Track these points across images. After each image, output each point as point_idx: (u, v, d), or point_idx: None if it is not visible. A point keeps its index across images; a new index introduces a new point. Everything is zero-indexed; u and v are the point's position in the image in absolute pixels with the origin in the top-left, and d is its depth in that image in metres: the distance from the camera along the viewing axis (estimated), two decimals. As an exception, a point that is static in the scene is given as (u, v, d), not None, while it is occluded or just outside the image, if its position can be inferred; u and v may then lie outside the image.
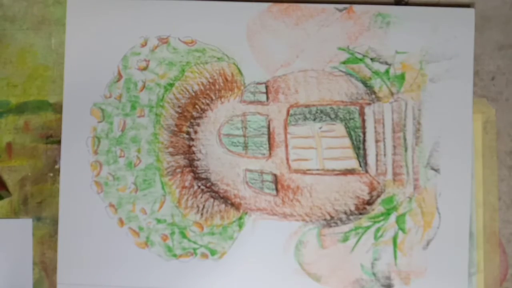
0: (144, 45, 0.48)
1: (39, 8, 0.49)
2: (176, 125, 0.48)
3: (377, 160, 0.47)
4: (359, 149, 0.47)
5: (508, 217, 0.48)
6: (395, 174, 0.47)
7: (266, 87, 0.48)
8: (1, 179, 0.48)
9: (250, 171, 0.48)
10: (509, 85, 0.48)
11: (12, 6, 0.49)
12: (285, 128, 0.48)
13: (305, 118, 0.48)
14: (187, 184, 0.48)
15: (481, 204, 0.48)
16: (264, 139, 0.48)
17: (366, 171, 0.47)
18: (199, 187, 0.48)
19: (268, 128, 0.48)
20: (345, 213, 0.47)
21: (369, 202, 0.47)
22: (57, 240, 0.48)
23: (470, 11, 0.48)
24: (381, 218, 0.47)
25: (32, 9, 0.49)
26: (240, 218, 0.48)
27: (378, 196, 0.47)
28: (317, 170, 0.48)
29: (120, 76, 0.48)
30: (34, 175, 0.48)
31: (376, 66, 0.48)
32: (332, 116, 0.48)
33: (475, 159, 0.48)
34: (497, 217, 0.48)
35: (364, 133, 0.47)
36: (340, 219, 0.47)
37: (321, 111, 0.48)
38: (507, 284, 0.47)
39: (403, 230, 0.47)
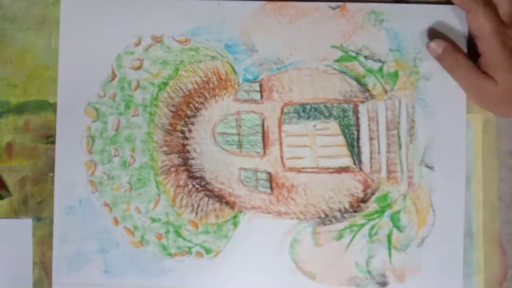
0: (138, 44, 0.48)
1: (39, 8, 0.49)
2: (171, 124, 0.48)
3: (371, 158, 0.47)
4: (353, 147, 0.47)
5: (508, 217, 0.48)
6: (389, 171, 0.47)
7: (260, 85, 0.48)
8: (1, 179, 0.48)
9: (245, 169, 0.48)
10: (509, 84, 0.48)
11: (12, 6, 0.49)
12: (279, 127, 0.48)
13: (299, 116, 0.48)
14: (181, 183, 0.48)
15: (481, 204, 0.47)
16: (259, 137, 0.48)
17: (360, 169, 0.47)
18: (193, 186, 0.48)
19: (263, 126, 0.48)
20: (340, 211, 0.47)
21: (364, 200, 0.47)
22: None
23: (464, 9, 0.48)
24: (376, 215, 0.47)
25: (32, 9, 0.49)
26: (235, 216, 0.48)
27: (373, 193, 0.47)
28: (312, 168, 0.48)
29: (114, 75, 0.48)
30: (34, 175, 0.48)
31: (370, 64, 0.48)
32: (326, 114, 0.48)
33: (475, 159, 0.48)
34: (497, 217, 0.48)
35: (358, 131, 0.47)
36: (335, 217, 0.47)
37: (315, 109, 0.48)
38: (507, 284, 0.47)
39: (397, 227, 0.47)
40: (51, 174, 0.48)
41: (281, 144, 0.48)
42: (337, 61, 0.48)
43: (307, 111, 0.48)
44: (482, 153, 0.48)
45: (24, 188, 0.48)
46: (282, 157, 0.48)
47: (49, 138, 0.48)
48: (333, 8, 0.48)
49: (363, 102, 0.48)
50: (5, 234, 0.48)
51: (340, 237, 0.47)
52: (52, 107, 0.48)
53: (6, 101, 0.49)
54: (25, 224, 0.48)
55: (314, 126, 0.48)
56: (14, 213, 0.48)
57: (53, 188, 0.48)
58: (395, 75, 0.48)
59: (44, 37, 0.49)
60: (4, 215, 0.48)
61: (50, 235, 0.48)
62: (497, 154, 0.48)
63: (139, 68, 0.48)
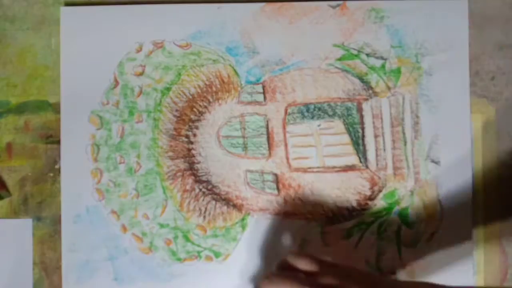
0: (139, 50, 0.48)
1: (39, 8, 0.49)
2: (175, 129, 0.48)
3: (377, 155, 0.47)
4: (359, 145, 0.47)
5: (508, 217, 0.48)
6: (395, 168, 0.47)
7: (263, 87, 0.48)
8: (1, 179, 0.48)
9: (251, 171, 0.48)
10: (509, 85, 0.48)
11: (12, 6, 0.49)
12: (284, 127, 0.48)
13: (303, 116, 0.48)
14: (188, 187, 0.48)
15: (481, 204, 0.48)
16: (263, 139, 0.48)
17: (367, 167, 0.47)
18: (200, 190, 0.48)
19: (267, 128, 0.48)
20: (347, 209, 0.47)
21: (371, 198, 0.47)
22: (57, 240, 0.48)
23: (464, 3, 0.48)
24: (384, 213, 0.47)
25: (32, 9, 0.49)
26: (243, 219, 0.48)
27: (380, 191, 0.47)
28: (318, 167, 0.48)
29: (116, 82, 0.48)
30: (34, 175, 0.48)
31: (372, 61, 0.48)
32: (330, 113, 0.48)
33: (475, 159, 0.48)
34: (497, 217, 0.48)
35: (362, 129, 0.47)
36: (343, 216, 0.47)
37: (319, 109, 0.48)
38: (507, 284, 0.47)
39: (406, 223, 0.47)
40: (51, 174, 0.48)
41: (286, 145, 0.48)
42: (339, 59, 0.48)
43: (311, 110, 0.48)
44: (482, 153, 0.48)
45: (24, 188, 0.48)
46: (287, 158, 0.48)
47: (49, 138, 0.48)
48: (333, 7, 0.48)
49: (366, 99, 0.48)
50: (5, 234, 0.48)
51: (349, 235, 0.47)
52: (52, 107, 0.48)
53: (6, 101, 0.49)
54: (25, 224, 0.48)
55: (319, 125, 0.48)
56: (14, 213, 0.48)
57: (53, 188, 0.48)
58: (398, 71, 0.48)
59: (44, 37, 0.49)
60: (4, 215, 0.48)
61: (50, 235, 0.48)
62: (497, 154, 0.48)
63: (141, 74, 0.48)
